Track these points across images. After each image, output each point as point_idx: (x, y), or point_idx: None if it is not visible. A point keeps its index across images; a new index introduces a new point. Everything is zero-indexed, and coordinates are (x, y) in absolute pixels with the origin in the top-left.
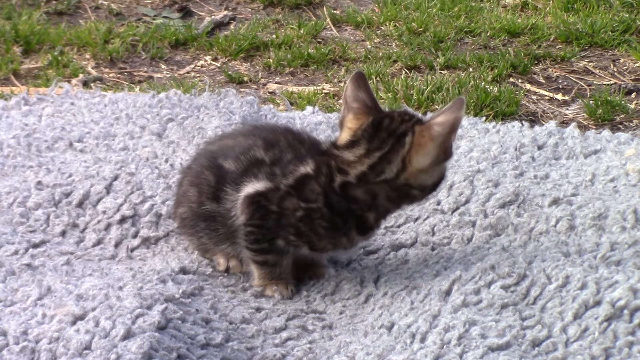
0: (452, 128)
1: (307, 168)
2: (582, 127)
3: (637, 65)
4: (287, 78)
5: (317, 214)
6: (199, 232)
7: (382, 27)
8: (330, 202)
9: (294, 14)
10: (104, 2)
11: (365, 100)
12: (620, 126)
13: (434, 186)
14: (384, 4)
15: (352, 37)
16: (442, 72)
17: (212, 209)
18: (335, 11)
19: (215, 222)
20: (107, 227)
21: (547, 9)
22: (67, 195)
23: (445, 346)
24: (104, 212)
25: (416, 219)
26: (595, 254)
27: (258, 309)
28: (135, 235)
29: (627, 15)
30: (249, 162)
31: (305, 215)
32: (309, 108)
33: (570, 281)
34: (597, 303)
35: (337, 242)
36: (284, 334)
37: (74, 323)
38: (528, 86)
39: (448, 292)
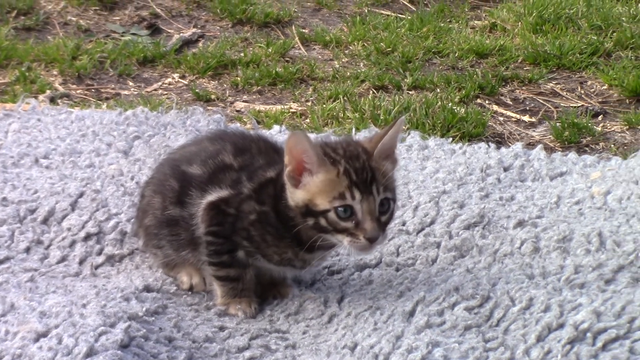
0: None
1: (272, 173)
2: (549, 149)
3: (605, 87)
4: (254, 97)
5: (266, 218)
6: (162, 241)
7: (351, 47)
8: (278, 207)
9: (262, 33)
10: (73, 19)
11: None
12: (587, 149)
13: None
14: (353, 24)
15: (320, 57)
16: (410, 92)
17: (176, 214)
18: (304, 30)
19: (178, 226)
20: (72, 244)
21: (516, 30)
22: (32, 211)
23: None
24: (69, 229)
25: None
26: (559, 276)
27: (221, 328)
28: (99, 253)
29: (595, 38)
30: (216, 167)
31: (257, 219)
32: (276, 127)
33: (534, 303)
34: (561, 326)
35: (283, 253)
36: (247, 353)
37: (36, 340)
38: (495, 107)
39: (412, 313)
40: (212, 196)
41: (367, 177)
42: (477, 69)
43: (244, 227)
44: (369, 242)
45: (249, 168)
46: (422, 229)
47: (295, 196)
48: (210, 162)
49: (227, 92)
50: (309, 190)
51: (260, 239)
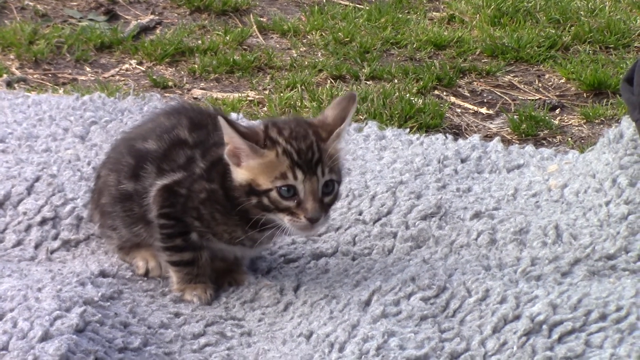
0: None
1: (223, 151)
2: (506, 142)
3: (562, 81)
4: (212, 84)
5: (215, 196)
6: (116, 220)
7: (309, 36)
8: (226, 186)
9: (220, 20)
10: (30, 3)
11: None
12: (544, 142)
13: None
14: (311, 13)
15: (278, 45)
16: (368, 82)
17: (130, 188)
18: (261, 19)
19: (132, 201)
20: (28, 228)
21: (474, 22)
22: None
23: (363, 356)
24: (25, 214)
25: (337, 229)
26: (515, 268)
27: (177, 314)
28: (55, 237)
29: (553, 31)
30: (171, 142)
31: (206, 198)
32: (233, 115)
33: (490, 295)
34: (517, 317)
35: (233, 232)
36: (202, 340)
37: None
38: (453, 99)
39: (368, 303)
40: (165, 180)
41: (312, 158)
42: (435, 61)
43: (194, 206)
44: (310, 222)
45: (203, 145)
46: (379, 219)
47: (238, 175)
48: (165, 137)
49: (185, 79)
50: (250, 169)
51: (210, 217)
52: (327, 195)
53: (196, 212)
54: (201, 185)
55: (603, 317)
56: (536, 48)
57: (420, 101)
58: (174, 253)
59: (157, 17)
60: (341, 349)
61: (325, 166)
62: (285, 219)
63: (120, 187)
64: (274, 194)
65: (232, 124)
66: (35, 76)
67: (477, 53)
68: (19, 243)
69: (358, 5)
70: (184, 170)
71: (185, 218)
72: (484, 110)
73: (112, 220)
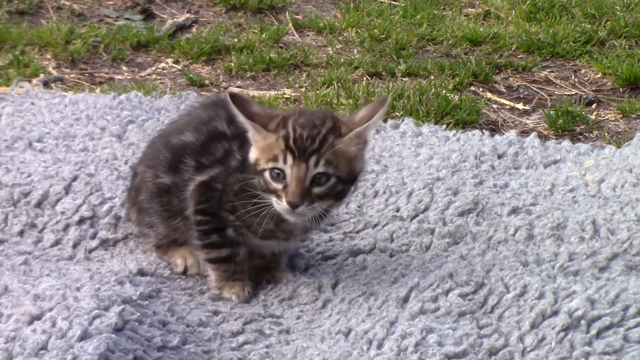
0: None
1: None
2: (542, 137)
3: (598, 76)
4: (248, 82)
5: (247, 187)
6: (153, 217)
7: (344, 33)
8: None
9: (256, 19)
10: (66, 3)
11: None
12: (581, 137)
13: None
14: (347, 10)
15: (314, 43)
16: (404, 79)
17: (168, 182)
18: (297, 16)
19: (170, 194)
20: (66, 227)
21: (510, 18)
22: (26, 195)
23: (402, 353)
24: (63, 213)
25: (375, 225)
26: (553, 263)
27: (215, 312)
28: (93, 237)
29: (589, 26)
30: (209, 133)
31: (240, 189)
32: None
33: (528, 290)
34: (555, 313)
35: (265, 224)
36: (241, 338)
37: (30, 323)
38: (489, 95)
39: (406, 299)
40: (203, 176)
41: (308, 147)
42: (470, 57)
43: (228, 200)
44: (289, 206)
45: (241, 137)
46: (416, 216)
47: (250, 154)
48: (203, 128)
49: (221, 77)
50: (257, 149)
51: (243, 208)
52: (318, 186)
53: (230, 206)
54: (235, 177)
55: None
56: (572, 43)
57: (457, 97)
58: (211, 250)
59: (193, 16)
60: (379, 346)
61: (321, 158)
62: (273, 200)
63: (158, 181)
64: (267, 174)
65: (240, 103)
66: (72, 76)
67: (513, 49)
68: (57, 242)
69: (393, 2)
70: (221, 164)
71: (221, 212)
72: (520, 105)
73: (149, 217)
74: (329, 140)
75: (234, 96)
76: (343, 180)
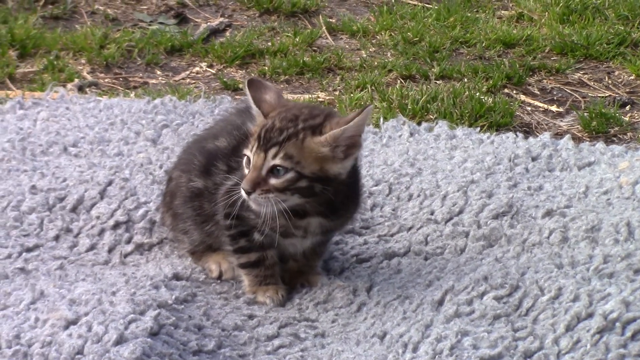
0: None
1: None
2: (576, 139)
3: (632, 78)
4: (282, 86)
5: None
6: (187, 222)
7: (378, 36)
8: None
9: (289, 22)
10: (100, 8)
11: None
12: (615, 139)
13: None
14: (380, 13)
15: (347, 46)
16: (437, 82)
17: (200, 185)
18: (331, 20)
19: (202, 198)
20: (101, 232)
21: (543, 20)
22: (61, 199)
23: (437, 356)
24: (98, 218)
25: (409, 228)
26: (588, 266)
27: (250, 316)
28: (128, 241)
29: (622, 28)
30: (240, 138)
31: None
32: None
33: (562, 293)
34: (590, 315)
35: (280, 220)
36: (276, 342)
37: (66, 327)
38: (523, 97)
39: (441, 302)
40: (231, 181)
41: (272, 138)
42: (504, 59)
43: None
44: (244, 192)
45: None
46: (451, 218)
47: None
48: (235, 133)
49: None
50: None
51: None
52: (275, 177)
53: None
54: None
55: None
56: (605, 45)
57: (490, 100)
58: (241, 255)
59: (226, 20)
60: (415, 349)
61: (281, 150)
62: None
63: (191, 185)
64: (243, 160)
65: (256, 88)
66: (106, 80)
67: (547, 51)
68: (92, 247)
69: (427, 5)
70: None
71: (244, 213)
72: (554, 108)
73: (183, 223)
74: (298, 135)
75: (251, 81)
76: (307, 177)
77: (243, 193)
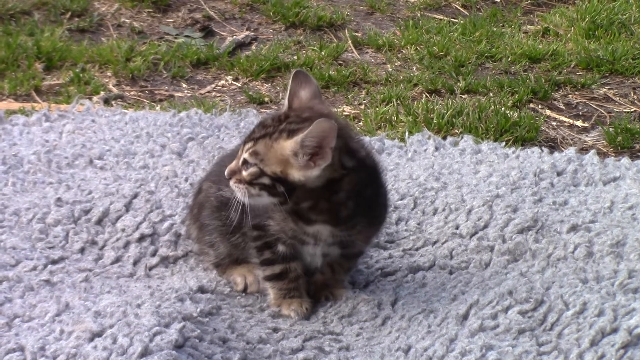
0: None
1: None
2: (602, 154)
3: None
4: None
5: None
6: (214, 234)
7: (403, 51)
8: None
9: (315, 36)
10: (126, 20)
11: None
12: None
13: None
14: (406, 28)
15: (373, 60)
16: (463, 96)
17: (229, 195)
18: (356, 34)
19: (230, 209)
20: (126, 245)
21: (568, 35)
22: (87, 212)
23: None
24: (123, 230)
25: (434, 242)
26: (613, 281)
27: (275, 329)
28: (154, 254)
29: None
30: None
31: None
32: None
33: (587, 308)
34: (614, 330)
35: (287, 225)
36: (301, 355)
37: (91, 340)
38: (548, 112)
39: (465, 317)
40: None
41: (254, 133)
42: (529, 74)
43: (271, 209)
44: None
45: None
46: (476, 233)
47: None
48: None
49: (281, 94)
50: None
51: (277, 214)
52: (245, 170)
53: (271, 211)
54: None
55: None
56: (631, 60)
57: (516, 114)
58: (266, 267)
59: (252, 33)
60: None
61: (254, 146)
62: None
63: (220, 195)
64: None
65: (298, 81)
66: (132, 93)
67: (572, 66)
68: (117, 260)
69: (452, 19)
70: None
71: (266, 222)
72: (579, 123)
73: (209, 236)
74: (273, 135)
75: (296, 73)
76: (268, 176)
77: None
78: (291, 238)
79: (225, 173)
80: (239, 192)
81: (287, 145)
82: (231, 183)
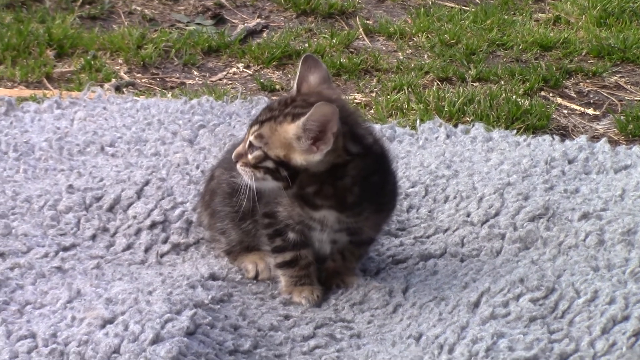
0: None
1: None
2: (613, 142)
3: None
4: None
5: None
6: (225, 221)
7: (415, 38)
8: None
9: (326, 24)
10: (137, 8)
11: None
12: None
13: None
14: (417, 15)
15: (384, 48)
16: (474, 84)
17: (240, 180)
18: (367, 21)
19: (240, 195)
20: (138, 232)
21: (580, 23)
22: (98, 199)
23: (472, 358)
24: (135, 217)
25: (445, 230)
26: (624, 269)
27: (286, 317)
28: (165, 241)
29: None
30: None
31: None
32: None
33: (598, 296)
34: (625, 318)
35: (294, 211)
36: (312, 342)
37: (103, 326)
38: (559, 100)
39: (476, 304)
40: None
41: (260, 117)
42: (541, 62)
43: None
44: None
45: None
46: (487, 221)
47: None
48: None
49: (292, 82)
50: None
51: (285, 200)
52: (250, 153)
53: (279, 197)
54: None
55: None
56: None
57: (527, 102)
58: (277, 254)
59: (263, 21)
60: (450, 351)
61: (259, 130)
62: None
63: (232, 181)
64: None
65: (307, 66)
66: (143, 80)
67: (583, 54)
68: (129, 247)
69: (464, 7)
70: None
71: (276, 208)
72: (590, 111)
73: (221, 222)
74: (278, 119)
75: (306, 58)
76: (271, 159)
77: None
78: (299, 224)
79: (232, 156)
80: (246, 175)
81: (290, 129)
82: (238, 166)
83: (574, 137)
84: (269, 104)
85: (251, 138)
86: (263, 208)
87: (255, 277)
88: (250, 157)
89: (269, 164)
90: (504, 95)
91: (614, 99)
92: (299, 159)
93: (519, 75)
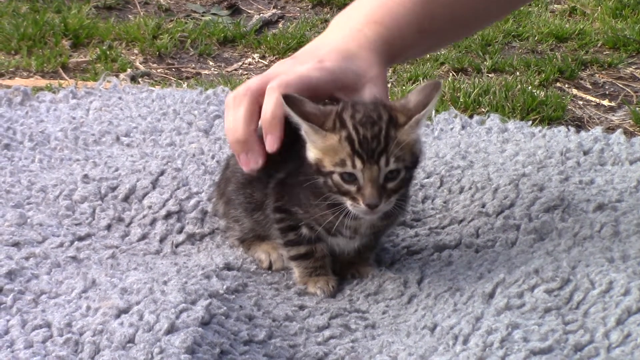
0: None
1: None
2: (628, 134)
3: None
4: None
5: (312, 186)
6: (238, 209)
7: None
8: None
9: None
10: None
11: None
12: None
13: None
14: None
15: None
16: (489, 75)
17: (254, 173)
18: None
19: (253, 186)
20: (153, 222)
21: (595, 14)
22: (113, 189)
23: (487, 349)
24: (150, 207)
25: (460, 221)
26: (639, 260)
27: (301, 307)
28: (180, 231)
29: None
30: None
31: (305, 179)
32: None
33: (613, 287)
34: None
35: (328, 219)
36: (327, 333)
37: (118, 316)
38: (575, 91)
39: (491, 295)
40: (282, 173)
41: (375, 147)
42: (556, 53)
43: (297, 193)
44: (368, 207)
45: None
46: (502, 211)
47: (309, 153)
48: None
49: None
50: (317, 149)
51: (307, 201)
52: (391, 181)
53: (298, 199)
54: (300, 174)
55: None
56: None
57: (542, 94)
58: (290, 247)
59: (279, 11)
60: (465, 341)
61: (390, 155)
62: (347, 203)
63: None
64: (336, 176)
65: (294, 104)
66: (159, 70)
67: (599, 45)
68: (144, 237)
69: None
70: (298, 158)
71: (292, 208)
72: (605, 102)
73: (235, 210)
74: (391, 135)
75: (287, 97)
76: (410, 168)
77: (362, 209)
78: (325, 229)
79: (374, 202)
80: (388, 207)
81: (408, 129)
82: (381, 207)
83: (589, 128)
84: (355, 142)
85: (391, 167)
86: (274, 203)
87: (269, 268)
88: (394, 184)
89: (408, 174)
90: (519, 86)
91: (629, 90)
92: (418, 147)
93: (535, 67)
